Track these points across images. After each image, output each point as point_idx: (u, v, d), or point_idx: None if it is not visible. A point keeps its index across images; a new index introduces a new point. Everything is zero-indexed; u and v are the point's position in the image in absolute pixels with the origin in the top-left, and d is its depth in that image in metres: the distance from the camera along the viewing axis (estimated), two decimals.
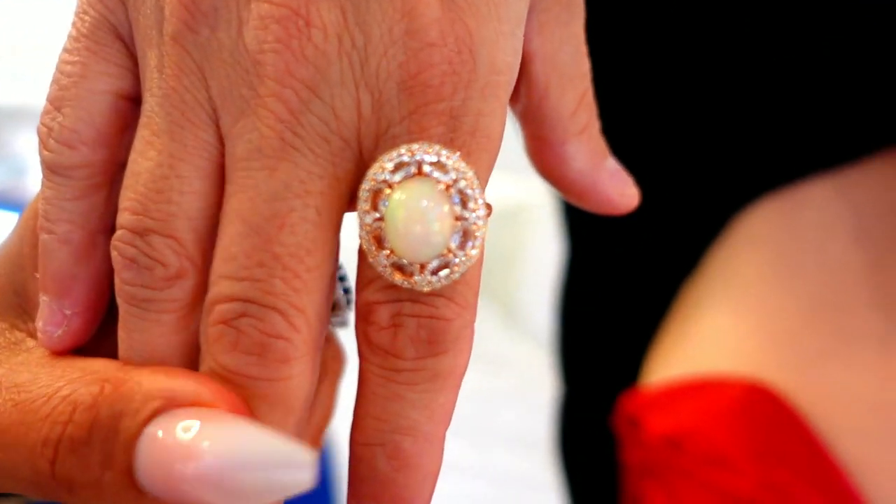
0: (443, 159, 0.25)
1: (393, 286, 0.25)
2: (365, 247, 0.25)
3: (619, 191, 0.32)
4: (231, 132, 0.25)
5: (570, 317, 0.60)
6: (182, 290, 0.26)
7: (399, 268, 0.25)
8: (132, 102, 0.28)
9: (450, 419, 0.26)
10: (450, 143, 0.25)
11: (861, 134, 0.50)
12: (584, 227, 0.58)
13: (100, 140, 0.27)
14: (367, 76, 0.25)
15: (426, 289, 0.25)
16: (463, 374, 0.26)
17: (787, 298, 0.50)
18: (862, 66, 0.51)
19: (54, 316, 0.28)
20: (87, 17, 0.28)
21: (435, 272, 0.25)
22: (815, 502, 0.46)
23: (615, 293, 0.56)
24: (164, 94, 0.26)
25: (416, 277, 0.25)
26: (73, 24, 0.28)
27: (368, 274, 0.25)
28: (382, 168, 0.25)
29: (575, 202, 0.33)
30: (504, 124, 0.26)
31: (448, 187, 0.25)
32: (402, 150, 0.25)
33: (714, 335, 0.51)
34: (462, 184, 0.25)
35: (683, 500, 0.48)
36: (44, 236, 0.28)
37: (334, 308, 0.29)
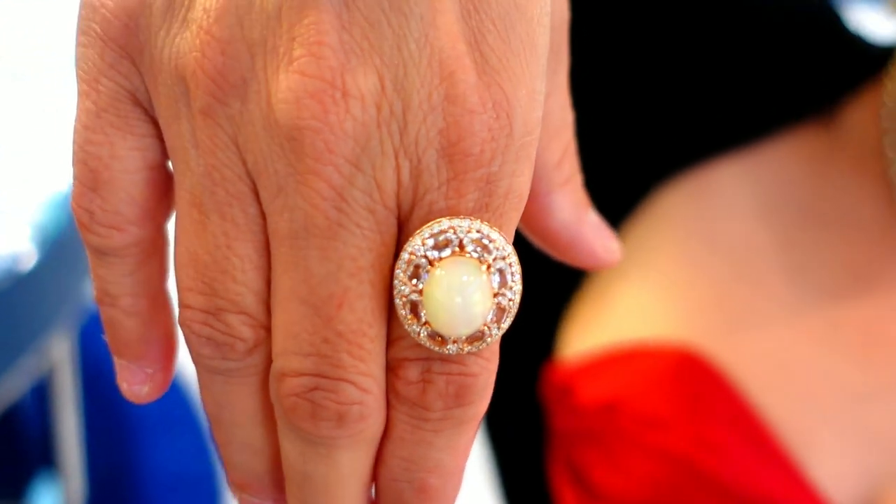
0: (485, 239, 0.25)
1: (422, 345, 0.26)
2: (400, 313, 0.25)
3: (602, 244, 0.32)
4: (271, 207, 0.25)
5: None
6: (262, 355, 0.27)
7: (432, 337, 0.25)
8: (163, 169, 0.28)
9: (470, 452, 0.28)
10: (485, 209, 0.25)
11: (762, 114, 0.54)
12: None
13: (144, 216, 0.28)
14: (406, 144, 0.24)
15: (456, 354, 0.25)
16: (483, 413, 0.27)
17: (702, 271, 0.54)
18: (759, 52, 0.54)
19: (136, 376, 0.29)
20: (102, 88, 0.27)
21: (467, 343, 0.25)
22: (745, 454, 0.50)
23: (526, 271, 0.58)
24: (204, 172, 0.25)
25: (449, 346, 0.25)
26: (86, 94, 0.27)
27: (397, 331, 0.26)
28: (423, 243, 0.25)
29: (557, 255, 0.33)
30: (531, 179, 0.27)
31: (489, 267, 0.25)
32: (445, 226, 0.25)
33: (633, 307, 0.54)
34: (502, 264, 0.25)
35: (622, 461, 0.51)
36: (107, 310, 0.29)
37: None
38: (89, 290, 1.09)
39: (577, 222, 0.32)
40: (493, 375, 0.26)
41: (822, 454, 0.50)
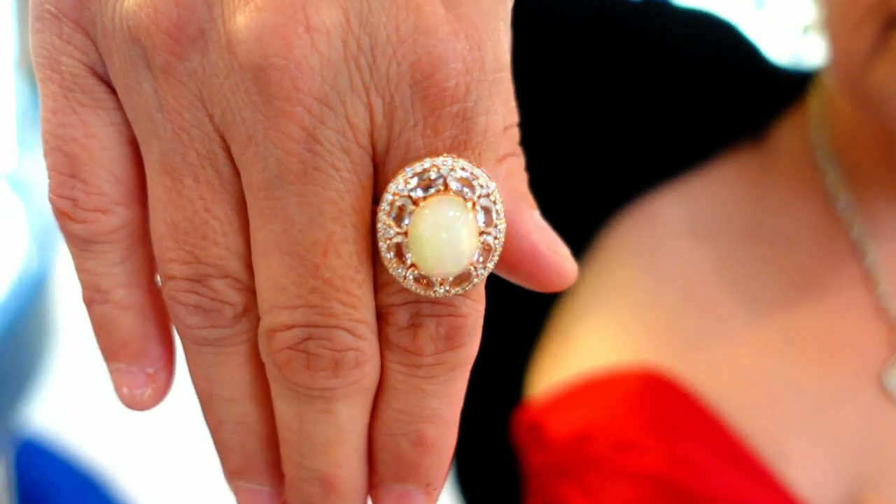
0: (469, 177, 0.24)
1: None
2: (384, 258, 0.24)
3: (550, 245, 0.29)
4: (243, 160, 0.24)
5: None
6: (250, 321, 0.26)
7: (418, 280, 0.25)
8: (138, 146, 0.26)
9: (462, 399, 0.27)
10: (463, 146, 0.24)
11: (696, 143, 0.57)
12: None
13: (130, 196, 0.26)
14: (376, 80, 0.23)
15: (444, 297, 0.25)
16: (474, 357, 0.27)
17: (655, 297, 0.55)
18: (688, 87, 0.57)
19: (137, 379, 0.27)
20: (64, 68, 0.25)
21: (455, 284, 0.25)
22: (720, 468, 0.50)
23: (490, 320, 0.58)
24: (173, 135, 0.24)
25: (436, 289, 0.25)
26: (49, 78, 0.26)
27: (383, 277, 0.25)
28: (406, 182, 0.24)
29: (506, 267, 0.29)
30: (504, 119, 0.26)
31: (474, 204, 0.24)
32: (428, 164, 0.24)
33: (595, 339, 0.55)
34: (486, 201, 0.25)
35: (599, 489, 0.51)
36: (98, 308, 0.27)
37: None
38: (22, 415, 1.05)
39: (518, 213, 0.28)
40: (481, 316, 0.26)
41: (796, 462, 0.51)
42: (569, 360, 0.55)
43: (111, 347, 0.27)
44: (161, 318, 0.28)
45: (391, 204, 0.24)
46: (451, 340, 0.25)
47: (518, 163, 0.28)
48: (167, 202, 0.25)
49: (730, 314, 0.54)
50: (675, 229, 0.56)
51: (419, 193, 0.24)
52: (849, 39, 0.48)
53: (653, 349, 0.53)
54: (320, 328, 0.24)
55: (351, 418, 0.26)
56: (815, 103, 0.57)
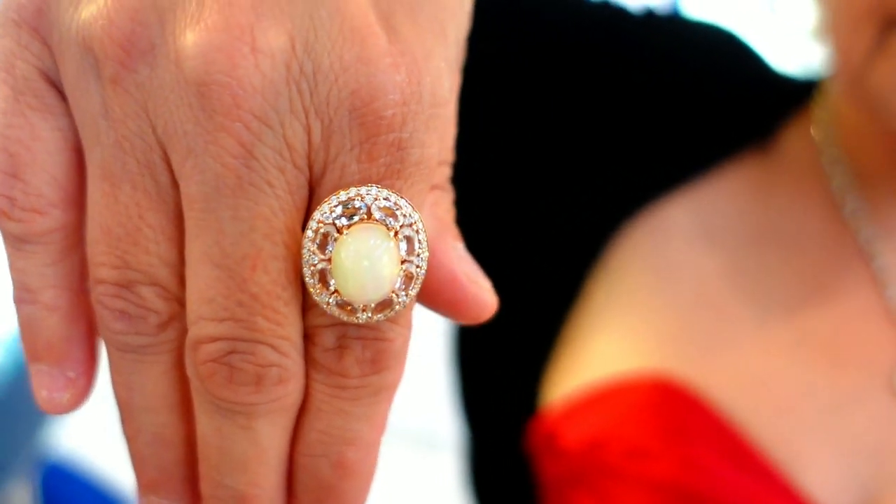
0: (392, 206, 0.25)
1: None
2: (308, 282, 0.25)
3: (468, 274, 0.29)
4: (182, 171, 0.24)
5: (466, 364, 0.62)
6: (175, 331, 0.26)
7: (341, 306, 0.25)
8: (83, 154, 0.26)
9: (386, 425, 0.27)
10: (396, 175, 0.25)
11: (704, 150, 0.57)
12: None
13: (68, 200, 0.27)
14: (317, 104, 0.24)
15: (367, 322, 0.25)
16: (399, 384, 0.27)
17: (667, 303, 0.55)
18: (694, 95, 0.57)
19: (57, 382, 0.28)
20: (18, 71, 0.26)
21: (377, 311, 0.25)
22: (733, 473, 0.50)
23: (505, 333, 0.59)
24: (115, 142, 0.25)
25: (358, 315, 0.25)
26: (3, 81, 0.26)
27: (310, 300, 0.26)
28: (332, 210, 0.25)
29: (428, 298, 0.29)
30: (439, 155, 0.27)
31: (396, 233, 0.25)
32: (353, 193, 0.24)
33: (608, 347, 0.55)
34: (409, 231, 0.25)
35: (612, 497, 0.51)
36: (26, 308, 0.27)
37: None
38: (48, 438, 1.06)
39: (442, 242, 0.28)
40: (407, 342, 0.26)
41: (809, 466, 0.51)
42: (582, 368, 0.55)
43: (35, 348, 0.27)
44: (87, 324, 0.28)
45: (316, 231, 0.25)
46: (376, 364, 0.26)
47: (446, 197, 0.29)
48: (104, 207, 0.25)
49: (740, 318, 0.54)
50: (684, 236, 0.56)
51: (343, 222, 0.25)
52: (848, 40, 0.48)
53: (665, 355, 0.54)
54: (245, 342, 0.25)
55: (271, 436, 0.26)
56: (819, 108, 0.57)
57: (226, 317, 0.24)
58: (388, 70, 0.24)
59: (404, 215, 0.25)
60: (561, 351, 0.58)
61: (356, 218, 0.25)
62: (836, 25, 0.50)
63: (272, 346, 0.25)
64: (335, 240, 0.25)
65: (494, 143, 0.58)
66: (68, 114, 0.26)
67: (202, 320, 0.25)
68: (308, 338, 0.26)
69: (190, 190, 0.24)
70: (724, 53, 0.60)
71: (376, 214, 0.25)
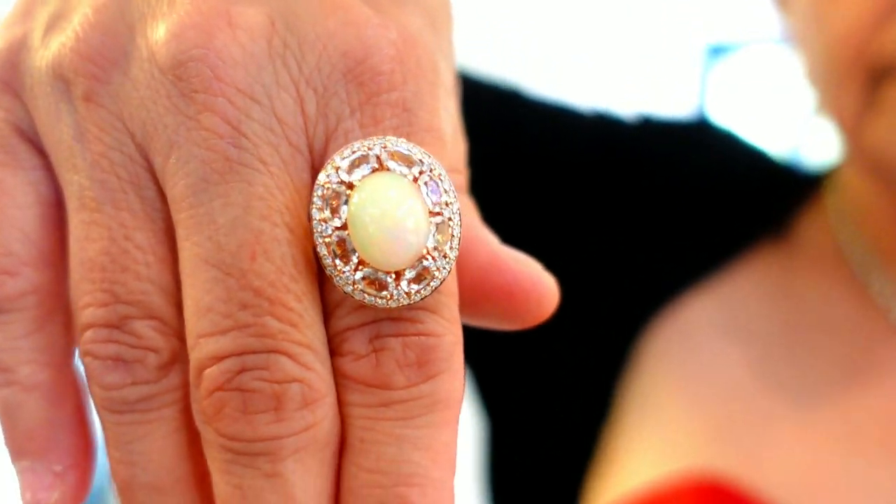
0: (403, 150, 0.21)
1: (365, 306, 0.21)
2: (326, 263, 0.21)
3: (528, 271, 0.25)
4: (166, 171, 0.22)
5: (500, 486, 0.60)
6: (179, 377, 0.22)
7: (371, 282, 0.21)
8: (60, 207, 0.24)
9: (455, 464, 0.21)
10: (406, 138, 0.22)
11: (719, 245, 0.56)
12: (499, 399, 0.59)
13: (42, 258, 0.24)
14: (306, 73, 0.22)
15: (404, 302, 0.21)
16: (461, 403, 0.22)
17: (702, 403, 0.53)
18: (711, 192, 0.57)
19: (42, 480, 0.23)
20: None
21: (414, 282, 0.21)
22: None
23: (540, 451, 0.57)
24: (91, 163, 0.22)
25: (391, 290, 0.21)
26: None
27: (333, 298, 0.22)
28: (336, 168, 0.21)
29: (479, 306, 0.25)
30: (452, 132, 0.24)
31: (415, 179, 0.21)
32: (356, 146, 0.21)
33: (646, 454, 0.53)
34: (429, 175, 0.21)
35: None
36: (2, 392, 0.23)
37: None
38: None
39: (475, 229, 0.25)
40: (459, 342, 0.21)
41: None
42: (623, 478, 0.53)
43: (15, 440, 0.23)
44: (75, 407, 0.24)
45: (322, 197, 0.21)
46: (423, 367, 0.21)
47: (468, 201, 0.25)
48: (83, 239, 0.22)
49: (780, 410, 0.52)
50: (709, 332, 0.55)
51: (355, 176, 0.21)
52: (837, 97, 0.47)
53: (706, 456, 0.51)
54: (255, 354, 0.20)
55: (305, 485, 0.20)
56: (831, 193, 0.56)
57: (228, 326, 0.20)
58: (377, 28, 0.22)
59: (421, 161, 0.21)
60: (599, 463, 0.55)
61: (367, 167, 0.21)
62: (822, 81, 0.49)
63: (289, 356, 0.20)
64: (347, 199, 0.21)
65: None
66: (43, 167, 0.24)
67: (202, 339, 0.20)
68: (334, 350, 0.21)
69: (176, 189, 0.21)
70: (721, 149, 0.60)
71: (388, 164, 0.21)
